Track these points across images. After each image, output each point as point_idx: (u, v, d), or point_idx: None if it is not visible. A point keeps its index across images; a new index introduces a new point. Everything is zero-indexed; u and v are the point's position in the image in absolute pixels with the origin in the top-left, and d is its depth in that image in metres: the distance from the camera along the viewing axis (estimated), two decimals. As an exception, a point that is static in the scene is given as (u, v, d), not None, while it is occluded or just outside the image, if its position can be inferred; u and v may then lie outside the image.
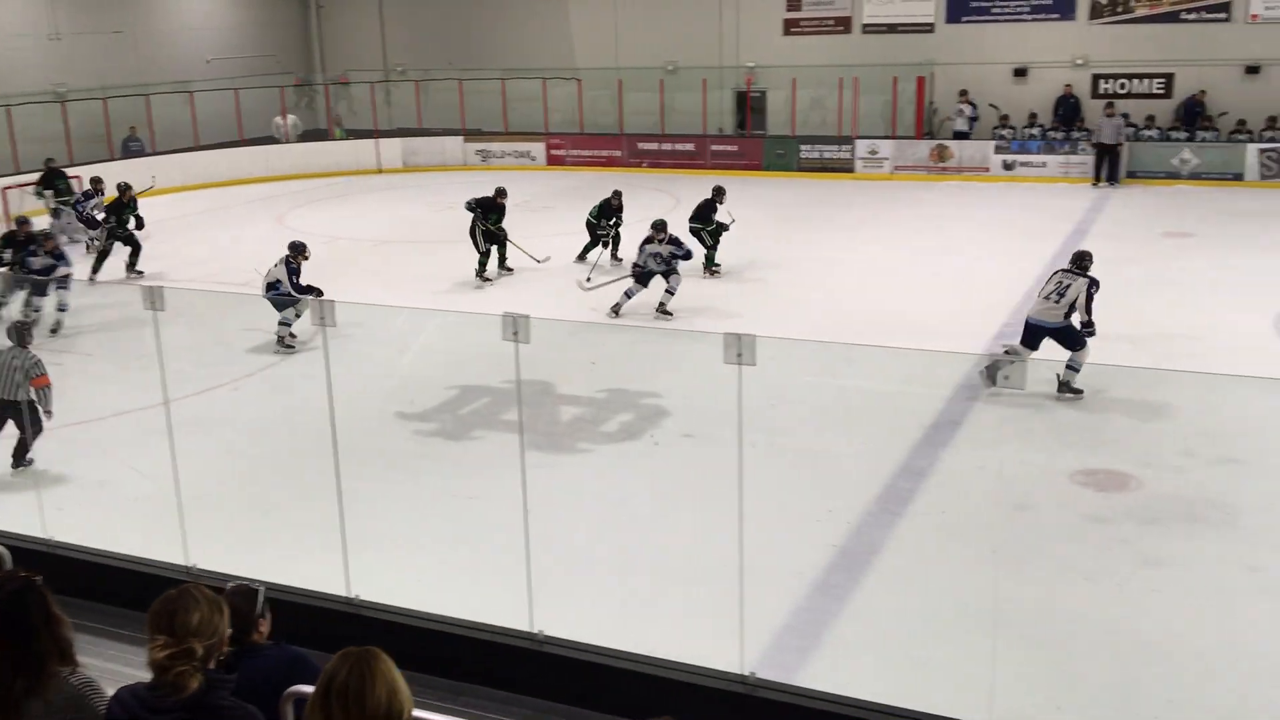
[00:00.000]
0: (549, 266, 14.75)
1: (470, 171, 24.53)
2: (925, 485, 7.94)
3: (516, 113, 25.21)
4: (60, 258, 12.57)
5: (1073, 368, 9.42)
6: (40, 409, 8.17)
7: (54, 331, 12.10)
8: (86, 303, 13.35)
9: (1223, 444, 8.60)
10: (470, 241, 14.41)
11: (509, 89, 25.06)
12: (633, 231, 14.01)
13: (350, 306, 11.63)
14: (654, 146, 23.91)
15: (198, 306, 12.36)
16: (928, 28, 23.16)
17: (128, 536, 6.35)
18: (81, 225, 16.73)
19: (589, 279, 13.46)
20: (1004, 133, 21.83)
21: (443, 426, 9.52)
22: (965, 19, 22.90)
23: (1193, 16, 21.24)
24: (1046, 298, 9.67)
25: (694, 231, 14.53)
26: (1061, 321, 9.52)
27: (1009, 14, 22.58)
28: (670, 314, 12.38)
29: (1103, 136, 20.50)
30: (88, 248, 15.82)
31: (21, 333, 8.41)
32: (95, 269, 14.79)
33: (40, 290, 12.09)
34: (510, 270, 14.68)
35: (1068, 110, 21.98)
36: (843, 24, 23.86)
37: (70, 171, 18.83)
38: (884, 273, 14.48)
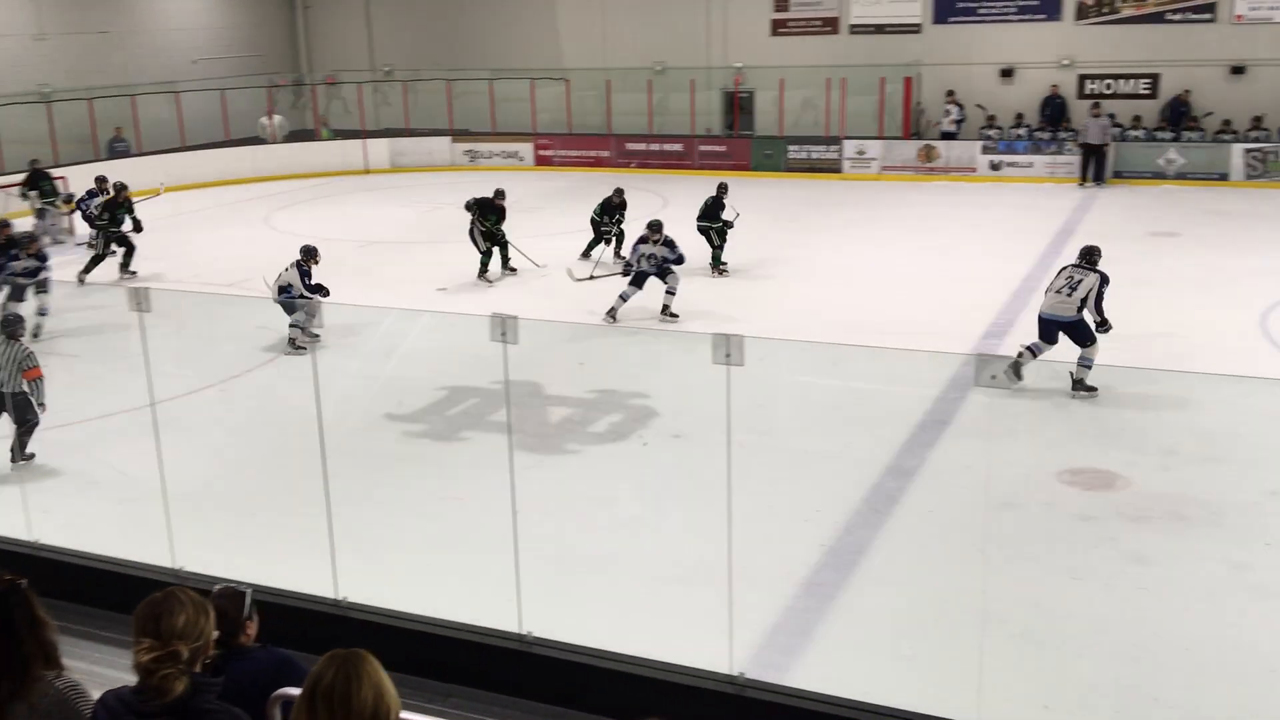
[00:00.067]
0: (546, 268, 14.67)
1: (458, 172, 24.49)
2: (913, 485, 7.96)
3: (504, 113, 25.18)
4: (44, 260, 12.50)
5: (1085, 365, 9.49)
6: (33, 400, 8.22)
7: (35, 336, 12.02)
8: (72, 304, 13.29)
9: (1208, 443, 8.65)
10: (470, 243, 14.38)
11: (497, 89, 25.03)
12: (635, 229, 13.98)
13: (337, 308, 11.64)
14: (642, 147, 23.91)
15: (184, 308, 12.30)
16: (915, 28, 23.22)
17: (114, 539, 6.32)
18: (84, 223, 16.59)
19: (576, 271, 13.45)
20: (991, 133, 21.90)
21: (431, 428, 9.50)
22: (952, 20, 22.97)
23: (1178, 17, 21.34)
24: (1058, 292, 9.71)
25: (703, 230, 14.55)
26: (1074, 316, 9.58)
27: (995, 15, 22.66)
28: (676, 315, 12.26)
29: (1089, 137, 20.58)
30: (90, 245, 15.80)
31: (13, 326, 8.46)
32: (86, 270, 14.70)
33: (19, 294, 12.03)
34: (514, 271, 14.62)
35: (1054, 110, 22.07)
36: (830, 24, 23.90)
37: (55, 173, 18.73)
38: (872, 273, 14.51)
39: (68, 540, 6.12)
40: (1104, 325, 9.61)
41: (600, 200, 15.27)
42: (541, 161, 24.59)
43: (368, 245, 16.96)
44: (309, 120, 27.36)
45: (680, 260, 12.37)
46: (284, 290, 11.52)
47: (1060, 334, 9.64)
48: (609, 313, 12.24)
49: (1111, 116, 20.95)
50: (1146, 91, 21.88)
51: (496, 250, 14.49)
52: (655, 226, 12.33)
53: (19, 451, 8.35)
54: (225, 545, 6.92)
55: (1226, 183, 20.04)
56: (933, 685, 5.41)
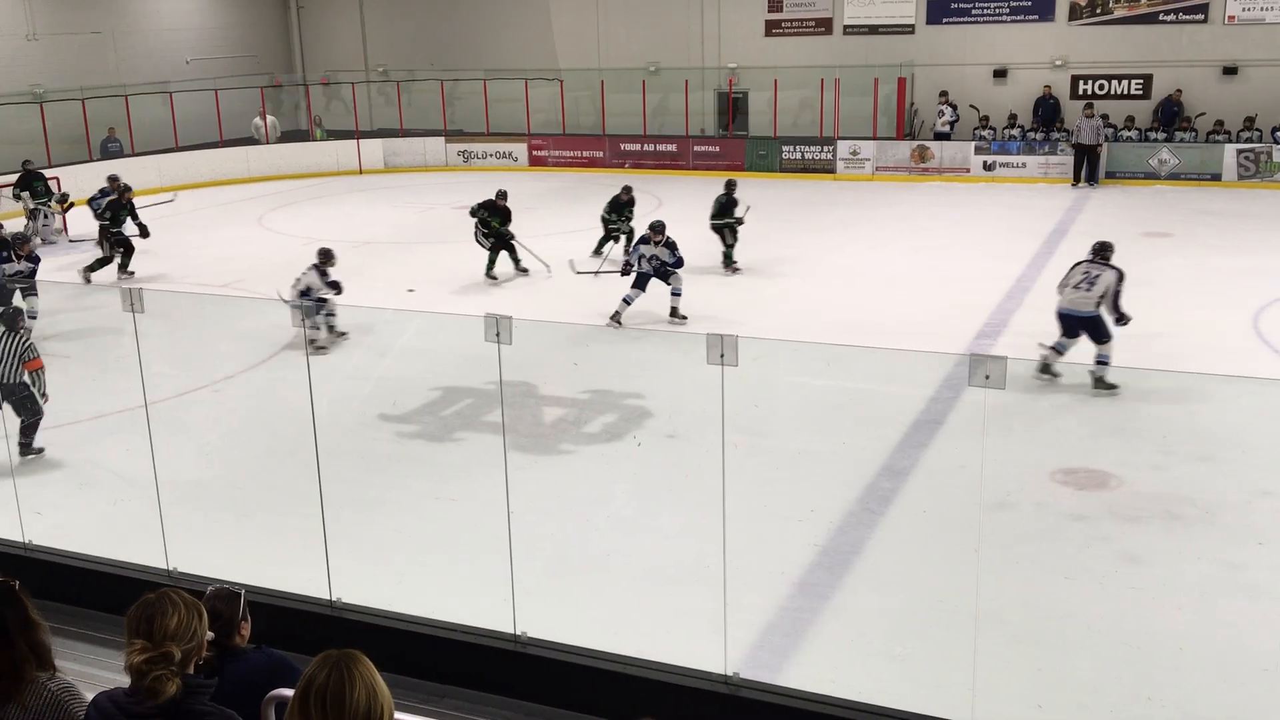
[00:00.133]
0: (551, 271, 14.64)
1: (452, 172, 24.49)
2: (907, 485, 7.97)
3: (498, 114, 25.17)
4: (36, 262, 12.47)
5: (1103, 362, 9.55)
6: (35, 392, 8.32)
7: None
8: (66, 305, 13.26)
9: (1201, 442, 8.66)
10: (477, 245, 14.37)
11: (491, 90, 25.02)
12: (643, 227, 13.97)
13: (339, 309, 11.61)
14: (636, 147, 23.91)
15: (178, 308, 12.28)
16: (908, 29, 23.26)
17: (107, 540, 6.31)
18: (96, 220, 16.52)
19: (579, 265, 13.43)
20: (984, 134, 21.93)
21: (425, 428, 9.49)
22: (945, 20, 23.01)
23: (1171, 18, 21.40)
24: (1075, 287, 9.74)
25: (717, 229, 14.59)
26: (1093, 311, 9.63)
27: (989, 15, 22.70)
28: (685, 317, 12.16)
29: (1082, 137, 20.62)
30: (100, 244, 15.86)
31: (13, 319, 8.56)
32: (91, 269, 14.75)
33: (6, 297, 11.99)
34: (525, 272, 14.51)
35: (1047, 111, 22.11)
36: (824, 25, 23.93)
37: (48, 174, 18.68)
38: (866, 273, 14.53)
39: (60, 541, 6.11)
40: (1123, 319, 9.69)
41: (610, 199, 15.31)
42: (536, 162, 24.58)
43: (361, 246, 16.93)
44: (303, 121, 27.34)
45: (679, 263, 12.25)
46: (303, 294, 11.61)
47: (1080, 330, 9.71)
48: (613, 317, 12.12)
49: (1104, 117, 20.99)
50: (1139, 92, 21.93)
51: (504, 251, 14.42)
52: (658, 228, 12.22)
53: (27, 446, 8.49)
54: (219, 546, 6.91)
55: (1219, 183, 20.09)
56: (926, 685, 5.42)
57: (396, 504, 7.91)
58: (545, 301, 13.37)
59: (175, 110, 23.25)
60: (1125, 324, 9.69)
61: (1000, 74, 22.77)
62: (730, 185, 14.91)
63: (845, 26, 23.74)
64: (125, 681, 2.83)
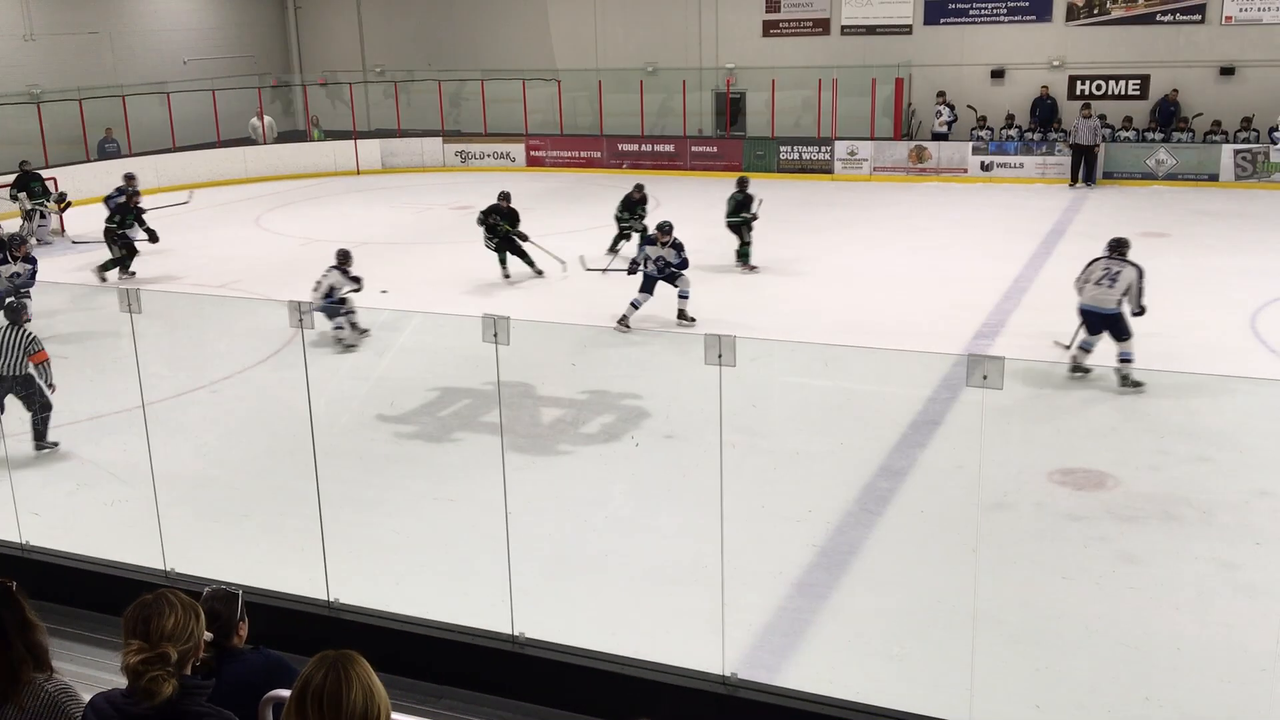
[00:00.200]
0: (565, 266, 14.64)
1: (449, 173, 24.48)
2: (904, 485, 7.97)
3: (496, 114, 25.17)
4: (33, 263, 12.44)
5: (1126, 359, 9.60)
6: (43, 383, 8.47)
7: None
8: (63, 305, 13.24)
9: (1198, 442, 8.67)
10: (486, 250, 14.34)
11: (488, 90, 25.02)
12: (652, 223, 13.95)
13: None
14: (634, 148, 23.91)
15: (175, 309, 12.27)
16: (906, 29, 23.27)
17: (104, 540, 6.30)
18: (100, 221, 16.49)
19: (589, 261, 13.39)
20: (981, 134, 21.94)
21: (423, 428, 9.49)
22: (943, 21, 23.03)
23: (1168, 19, 21.42)
24: (1097, 283, 9.77)
25: (734, 227, 14.65)
26: (1115, 308, 9.68)
27: (986, 16, 22.72)
28: (693, 319, 12.07)
29: (1079, 138, 20.64)
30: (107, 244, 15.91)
31: (16, 312, 8.76)
32: (104, 268, 14.82)
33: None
34: (540, 274, 14.39)
35: (1044, 111, 22.13)
36: (821, 25, 23.94)
37: (45, 174, 18.67)
38: (864, 273, 14.53)
39: (58, 542, 6.11)
40: (1142, 311, 9.77)
41: (622, 197, 15.36)
42: (533, 162, 24.57)
43: (359, 246, 16.88)
44: (300, 121, 27.33)
45: (684, 265, 12.17)
46: (328, 295, 11.73)
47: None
48: (621, 320, 11.98)
49: (1102, 117, 21.01)
50: (1137, 93, 21.95)
51: (510, 251, 14.34)
52: (665, 228, 12.15)
53: (41, 439, 8.65)
54: (216, 546, 6.91)
55: (1216, 183, 20.11)
56: (924, 685, 5.42)
57: (394, 504, 7.91)
58: (545, 302, 13.37)
59: (173, 110, 23.24)
60: (1142, 314, 9.76)
61: (998, 74, 22.78)
62: (743, 183, 14.96)
63: (843, 27, 23.75)
64: (123, 682, 2.83)
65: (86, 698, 2.92)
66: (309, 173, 23.99)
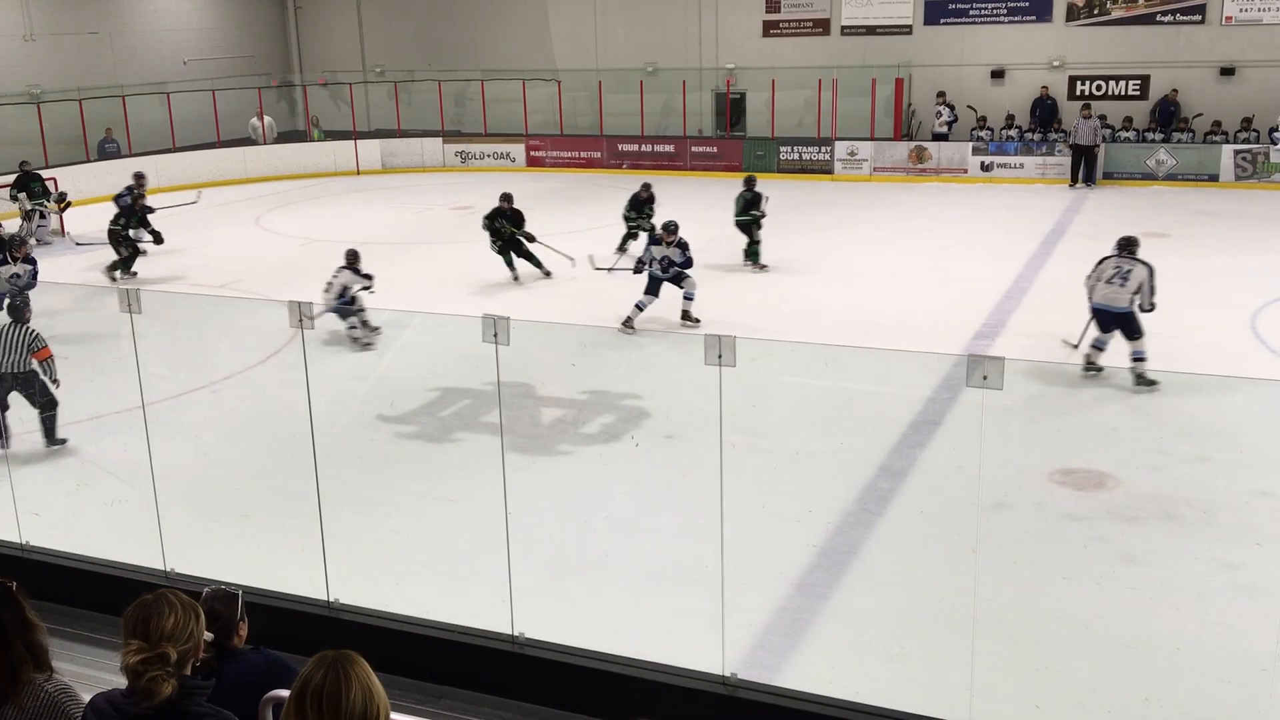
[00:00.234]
0: (564, 267, 14.66)
1: (449, 173, 24.48)
2: (905, 485, 7.97)
3: (496, 114, 25.18)
4: (33, 263, 12.43)
5: (1139, 358, 9.63)
6: (47, 379, 8.59)
7: None
8: (63, 305, 13.23)
9: (1199, 443, 8.67)
10: (494, 254, 14.33)
11: (488, 90, 25.02)
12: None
13: (317, 308, 11.61)
14: (634, 148, 23.91)
15: (175, 309, 12.27)
16: (906, 30, 23.27)
17: (104, 540, 6.30)
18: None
19: (598, 260, 13.40)
20: (982, 134, 21.95)
21: (423, 429, 9.49)
22: (943, 21, 23.03)
23: (1168, 19, 21.42)
24: (1109, 282, 9.80)
25: (744, 225, 14.69)
26: (1127, 306, 9.71)
27: (986, 16, 22.72)
28: (698, 320, 12.03)
29: (1079, 138, 20.64)
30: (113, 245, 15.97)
31: (19, 309, 8.99)
32: (114, 267, 14.84)
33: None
34: (548, 275, 14.33)
35: (1045, 112, 22.13)
36: (821, 26, 23.94)
37: (45, 174, 18.67)
38: (864, 274, 14.53)
39: (58, 542, 6.10)
40: (1152, 307, 9.81)
41: (630, 196, 15.42)
42: (533, 163, 24.57)
43: (359, 246, 16.91)
44: (300, 121, 27.33)
45: (689, 264, 12.13)
46: (341, 295, 11.80)
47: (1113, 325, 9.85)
48: (625, 322, 11.93)
49: (1102, 118, 21.01)
50: (1137, 93, 21.95)
51: (515, 252, 14.30)
52: (670, 228, 12.15)
53: (51, 436, 8.77)
54: (216, 547, 6.91)
55: (1216, 184, 20.11)
56: (924, 685, 5.42)
57: (394, 505, 7.90)
58: (545, 302, 13.36)
59: (173, 111, 23.24)
60: (1152, 311, 9.80)
61: (998, 75, 22.78)
62: (751, 181, 15.03)
63: (843, 27, 23.75)
64: (123, 683, 2.83)
65: (86, 698, 2.92)
66: (309, 173, 23.99)
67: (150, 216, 16.00)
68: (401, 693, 4.59)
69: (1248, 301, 12.39)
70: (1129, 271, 9.75)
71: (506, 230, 14.18)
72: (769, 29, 24.43)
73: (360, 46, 28.56)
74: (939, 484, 8.02)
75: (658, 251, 12.08)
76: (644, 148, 23.83)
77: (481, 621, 5.05)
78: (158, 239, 15.44)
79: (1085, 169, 20.66)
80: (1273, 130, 20.19)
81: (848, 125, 22.56)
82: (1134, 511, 7.51)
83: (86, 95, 22.21)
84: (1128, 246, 9.99)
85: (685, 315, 12.14)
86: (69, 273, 15.18)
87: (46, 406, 8.75)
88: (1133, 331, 9.71)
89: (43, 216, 17.76)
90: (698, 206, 17.61)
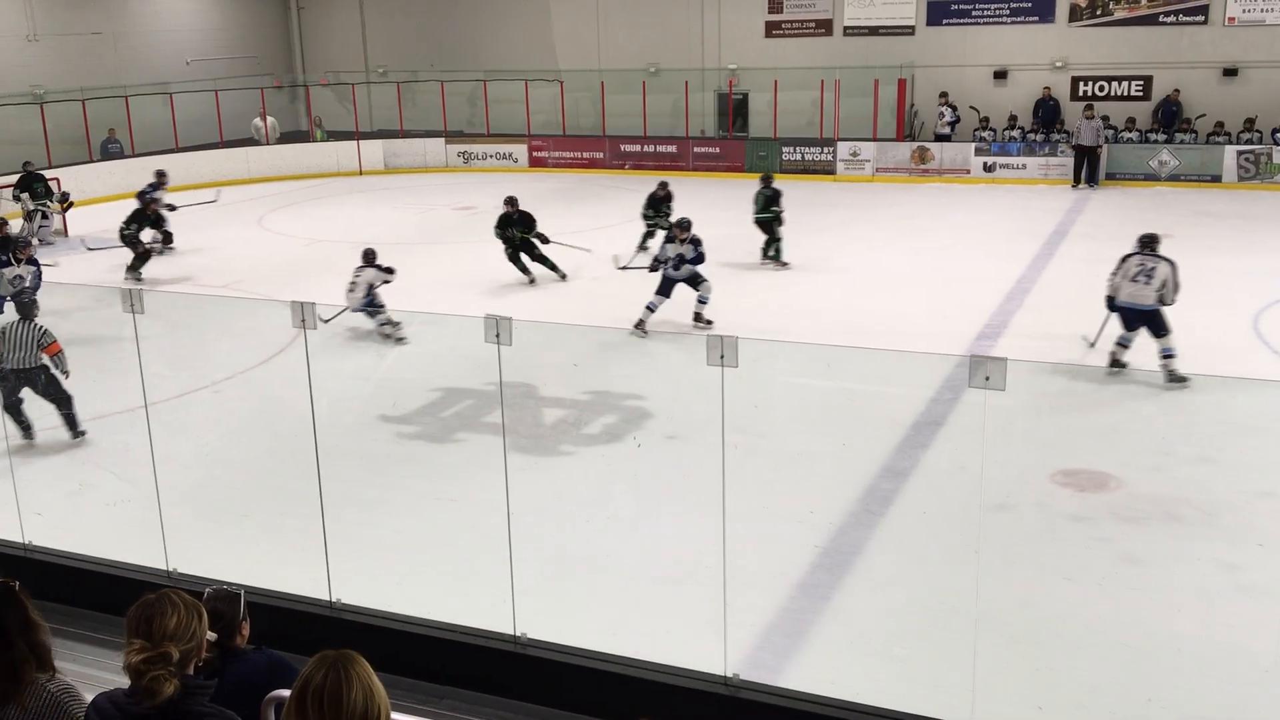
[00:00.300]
0: (585, 261, 14.60)
1: (452, 173, 24.49)
2: (907, 486, 7.97)
3: (498, 115, 25.18)
4: (37, 265, 12.44)
5: (1168, 355, 9.68)
6: (58, 372, 8.79)
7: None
8: (65, 305, 13.24)
9: (1201, 444, 8.66)
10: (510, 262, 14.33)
11: (491, 91, 25.03)
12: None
13: (332, 310, 11.63)
14: (636, 149, 23.91)
15: (178, 309, 12.28)
16: (908, 30, 23.26)
17: (107, 541, 6.31)
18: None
19: (620, 259, 13.41)
20: (984, 135, 21.94)
21: (425, 429, 9.49)
22: (945, 22, 23.02)
23: (1171, 19, 21.40)
24: (1134, 280, 9.84)
25: (765, 222, 14.78)
26: (1153, 304, 9.76)
27: (989, 17, 22.71)
28: (710, 322, 11.98)
29: (1082, 139, 20.63)
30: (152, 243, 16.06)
31: (28, 307, 9.22)
32: (133, 267, 14.90)
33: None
34: (564, 277, 14.24)
35: (1047, 112, 22.12)
36: (824, 26, 23.94)
37: (48, 174, 18.69)
38: (866, 274, 14.53)
39: (60, 542, 6.11)
40: (1172, 302, 9.88)
41: (647, 195, 15.53)
42: (536, 163, 24.58)
43: (361, 247, 16.93)
44: (303, 121, 27.35)
45: (700, 259, 12.04)
46: (367, 293, 11.91)
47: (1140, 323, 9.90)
48: (637, 325, 11.85)
49: (1105, 118, 21.00)
50: (1139, 94, 21.94)
51: (536, 257, 14.25)
52: (684, 225, 12.17)
53: (73, 428, 8.98)
54: (219, 547, 6.91)
55: (1219, 184, 20.09)
56: (926, 686, 5.42)
57: (396, 505, 7.91)
58: (548, 303, 13.37)
59: (175, 111, 23.26)
60: (1172, 304, 9.87)
61: (1000, 75, 22.77)
62: (768, 178, 15.14)
63: (845, 27, 23.75)
64: (125, 682, 2.83)
65: (89, 698, 2.92)
66: (312, 173, 24.01)
67: (170, 215, 16.11)
68: (403, 693, 4.59)
69: (1250, 302, 12.38)
70: (1153, 269, 9.79)
71: (518, 236, 14.15)
72: (771, 29, 24.43)
73: (363, 47, 28.58)
74: (941, 484, 8.01)
75: (671, 249, 12.07)
76: (646, 148, 23.84)
77: (483, 622, 5.05)
78: (168, 239, 15.48)
79: (1088, 170, 20.65)
80: (1275, 131, 20.18)
81: (850, 126, 22.55)
82: (1136, 512, 7.51)
83: (89, 95, 22.23)
84: (1150, 244, 10.03)
85: (698, 317, 12.12)
86: (74, 273, 15.20)
87: (62, 402, 8.94)
88: (1160, 329, 9.74)
89: (45, 217, 17.77)
90: (700, 207, 17.55)
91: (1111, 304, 10.17)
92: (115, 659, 3.16)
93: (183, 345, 11.30)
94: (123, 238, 15.02)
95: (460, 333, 11.45)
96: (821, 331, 11.51)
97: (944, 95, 22.41)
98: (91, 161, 21.82)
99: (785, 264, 14.75)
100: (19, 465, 8.34)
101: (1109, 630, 6.14)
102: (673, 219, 14.52)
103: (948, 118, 22.25)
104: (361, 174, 24.32)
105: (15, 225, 16.58)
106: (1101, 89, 22.13)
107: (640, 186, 17.43)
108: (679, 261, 11.96)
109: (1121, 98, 21.98)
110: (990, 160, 21.53)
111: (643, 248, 15.02)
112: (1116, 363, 10.03)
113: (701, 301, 12.08)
